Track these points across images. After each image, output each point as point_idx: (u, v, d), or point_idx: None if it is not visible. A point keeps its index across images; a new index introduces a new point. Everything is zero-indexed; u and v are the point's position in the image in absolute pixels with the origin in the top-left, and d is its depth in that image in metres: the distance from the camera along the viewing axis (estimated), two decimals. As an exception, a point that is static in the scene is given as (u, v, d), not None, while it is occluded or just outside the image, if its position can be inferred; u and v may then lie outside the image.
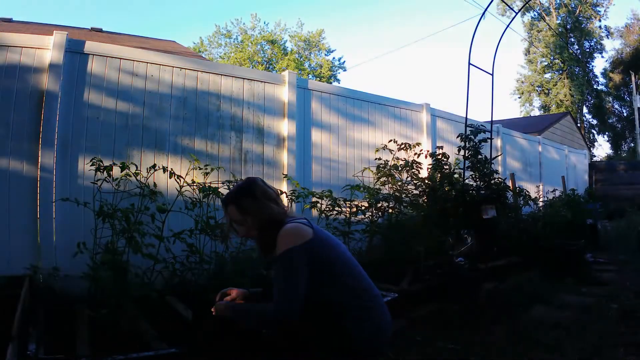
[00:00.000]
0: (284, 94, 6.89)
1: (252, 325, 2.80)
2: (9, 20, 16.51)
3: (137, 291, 4.02)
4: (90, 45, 5.44)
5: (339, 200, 6.10)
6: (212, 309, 2.87)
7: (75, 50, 5.29)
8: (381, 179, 7.19)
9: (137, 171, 4.67)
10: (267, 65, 44.90)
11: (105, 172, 4.48)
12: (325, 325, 2.63)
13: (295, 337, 2.63)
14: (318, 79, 43.29)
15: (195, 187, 5.05)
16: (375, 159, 7.37)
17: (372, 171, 7.37)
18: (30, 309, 3.85)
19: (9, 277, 4.36)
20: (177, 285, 4.57)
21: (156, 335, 3.45)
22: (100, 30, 18.16)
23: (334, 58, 48.19)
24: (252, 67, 41.09)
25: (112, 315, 3.61)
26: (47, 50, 5.10)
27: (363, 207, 6.50)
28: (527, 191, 9.54)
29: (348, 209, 6.32)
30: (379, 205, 6.60)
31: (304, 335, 2.62)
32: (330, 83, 37.74)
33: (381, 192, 6.87)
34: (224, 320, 2.85)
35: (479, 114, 27.16)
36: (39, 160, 4.90)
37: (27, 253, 4.75)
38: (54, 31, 5.21)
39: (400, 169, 7.23)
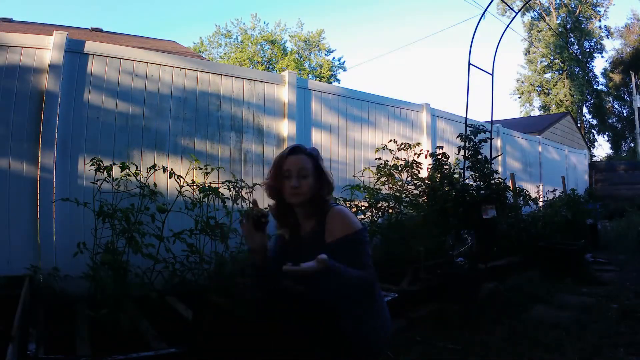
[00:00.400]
0: (284, 94, 6.89)
1: (343, 286, 2.56)
2: (9, 20, 16.53)
3: (137, 291, 4.03)
4: (90, 45, 5.44)
5: (339, 200, 6.10)
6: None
7: (75, 50, 5.29)
8: (381, 179, 7.19)
9: (137, 171, 4.67)
10: (267, 65, 44.92)
11: (105, 172, 4.48)
12: (323, 322, 2.64)
13: (294, 335, 2.64)
14: (318, 79, 43.31)
15: (195, 187, 5.04)
16: (375, 159, 7.37)
17: (372, 171, 7.38)
18: (30, 309, 3.86)
19: (9, 277, 4.37)
20: (177, 285, 4.57)
21: (156, 335, 3.46)
22: (100, 30, 18.17)
23: (334, 58, 48.25)
24: (252, 67, 41.10)
25: (112, 315, 3.61)
26: (47, 51, 5.11)
27: (363, 207, 6.50)
28: (527, 191, 9.54)
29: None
30: (379, 205, 6.60)
31: (303, 333, 2.63)
32: (330, 83, 37.68)
33: (381, 192, 6.87)
34: (223, 320, 2.85)
35: (479, 114, 27.17)
36: (39, 161, 4.90)
37: (27, 253, 4.75)
38: (54, 31, 5.22)
39: (400, 169, 7.23)
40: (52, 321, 3.80)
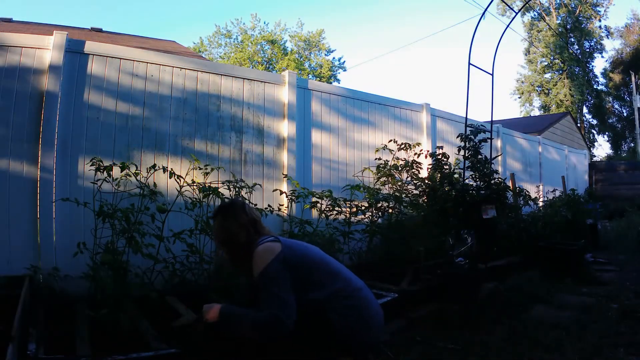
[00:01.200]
0: (284, 94, 6.88)
1: (244, 331, 2.85)
2: (9, 20, 16.52)
3: (137, 291, 4.04)
4: (90, 45, 5.44)
5: (339, 200, 6.11)
6: (207, 315, 2.95)
7: (75, 51, 5.29)
8: (381, 179, 7.21)
9: (137, 171, 4.68)
10: (267, 65, 44.91)
11: (105, 172, 4.48)
12: (309, 323, 2.79)
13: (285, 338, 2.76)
14: (318, 79, 43.32)
15: (195, 187, 5.05)
16: (376, 159, 7.38)
17: (372, 171, 7.39)
18: (30, 309, 3.86)
19: (9, 277, 4.36)
20: (177, 285, 4.58)
21: (156, 335, 3.45)
22: (100, 30, 18.17)
23: (334, 58, 48.25)
24: (252, 67, 41.08)
25: (112, 315, 3.62)
26: (47, 51, 5.10)
27: (363, 207, 6.50)
28: (527, 191, 9.55)
29: (348, 209, 6.32)
30: (379, 205, 6.60)
31: (293, 336, 2.76)
32: (331, 83, 37.64)
33: (381, 192, 6.88)
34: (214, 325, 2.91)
35: (479, 114, 27.21)
36: (39, 161, 4.90)
37: (27, 253, 4.75)
38: (54, 31, 5.21)
39: (400, 169, 7.24)
40: (52, 321, 3.80)
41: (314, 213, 6.26)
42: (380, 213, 6.74)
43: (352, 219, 6.39)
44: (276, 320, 2.70)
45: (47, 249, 4.84)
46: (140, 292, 4.04)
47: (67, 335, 3.51)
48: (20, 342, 2.99)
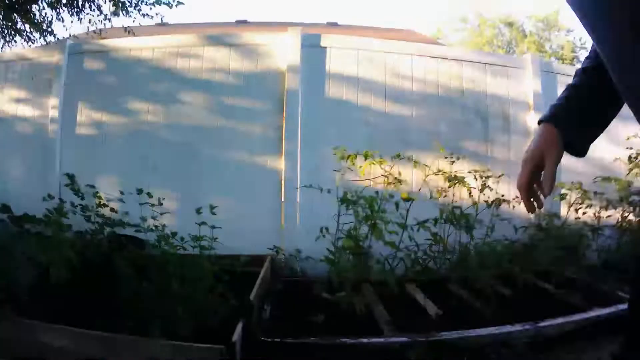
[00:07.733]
0: (527, 79, 6.40)
1: None
2: (245, 22, 18.29)
3: (376, 276, 4.10)
4: (326, 39, 5.68)
5: (589, 192, 5.64)
6: None
7: (311, 45, 5.58)
8: (633, 170, 6.51)
9: (381, 159, 4.73)
10: (508, 49, 43.26)
11: (348, 160, 4.60)
12: None
13: None
14: (561, 61, 40.81)
15: (440, 175, 5.02)
16: (627, 147, 6.62)
17: (624, 161, 6.69)
18: (267, 286, 4.17)
19: (253, 256, 4.68)
20: (418, 273, 4.57)
21: (389, 321, 3.43)
22: (335, 24, 18.95)
23: (574, 38, 44.93)
24: (493, 52, 39.94)
25: (348, 298, 3.71)
26: (284, 47, 5.49)
27: (614, 201, 5.95)
28: None
29: (598, 203, 5.82)
30: (630, 199, 5.99)
31: None
32: (573, 65, 35.25)
33: (633, 185, 6.22)
34: None
35: None
36: (283, 151, 5.34)
37: (271, 235, 5.18)
38: (288, 28, 5.58)
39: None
40: (288, 299, 4.05)
41: (562, 206, 5.86)
42: (632, 208, 6.11)
43: (602, 213, 5.88)
44: None
45: (290, 232, 5.22)
46: (379, 277, 4.10)
47: (297, 313, 3.67)
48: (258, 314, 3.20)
